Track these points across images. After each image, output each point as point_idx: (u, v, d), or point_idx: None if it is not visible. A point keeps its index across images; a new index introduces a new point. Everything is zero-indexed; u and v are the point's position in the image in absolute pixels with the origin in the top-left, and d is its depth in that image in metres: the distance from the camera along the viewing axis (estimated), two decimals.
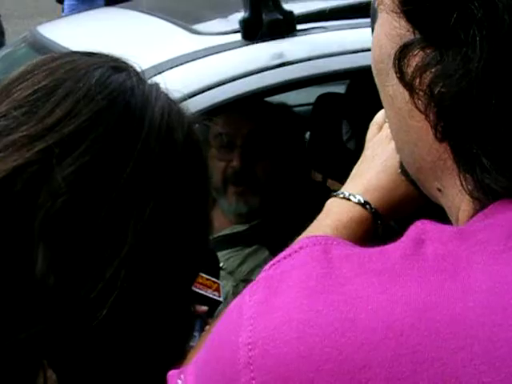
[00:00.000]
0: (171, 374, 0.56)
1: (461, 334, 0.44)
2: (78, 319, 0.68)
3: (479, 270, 0.47)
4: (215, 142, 2.11)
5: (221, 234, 2.09)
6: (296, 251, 0.52)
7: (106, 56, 0.78)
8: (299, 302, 0.47)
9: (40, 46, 2.21)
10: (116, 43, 1.92)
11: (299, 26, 1.85)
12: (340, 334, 0.45)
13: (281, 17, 1.79)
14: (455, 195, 0.54)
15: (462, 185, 0.52)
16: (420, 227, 0.52)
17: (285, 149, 2.17)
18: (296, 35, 1.84)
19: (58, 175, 0.67)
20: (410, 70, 0.52)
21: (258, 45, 1.81)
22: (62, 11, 5.59)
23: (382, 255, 0.50)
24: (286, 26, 1.81)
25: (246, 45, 1.82)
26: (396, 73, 0.53)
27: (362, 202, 0.83)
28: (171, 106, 0.76)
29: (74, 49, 1.80)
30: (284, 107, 2.31)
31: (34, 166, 0.68)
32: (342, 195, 0.85)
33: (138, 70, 0.79)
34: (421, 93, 0.51)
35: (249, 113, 2.13)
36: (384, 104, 0.59)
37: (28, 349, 0.67)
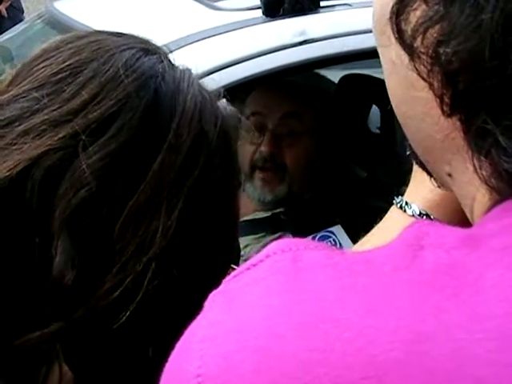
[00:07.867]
0: None
1: (462, 377, 0.34)
2: (97, 319, 0.64)
3: (493, 287, 0.36)
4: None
5: (242, 219, 2.03)
6: (261, 260, 0.42)
7: (136, 37, 0.73)
8: (257, 325, 0.38)
9: (56, 22, 2.19)
10: (134, 19, 1.90)
11: (323, 3, 1.81)
12: (306, 369, 0.36)
13: None
14: (468, 183, 0.44)
15: (475, 170, 0.41)
16: (418, 229, 0.41)
17: (319, 136, 2.06)
18: (319, 12, 1.81)
19: (82, 163, 0.63)
20: (409, 28, 0.42)
21: (279, 21, 1.78)
22: None
23: (367, 266, 0.40)
24: (309, 2, 1.78)
25: (267, 21, 1.78)
26: (393, 31, 0.43)
27: (418, 213, 0.68)
28: (203, 95, 0.71)
29: (91, 25, 1.78)
30: (322, 90, 2.20)
31: (57, 154, 0.63)
32: (399, 204, 0.72)
33: (169, 53, 0.74)
34: (423, 55, 0.41)
35: (284, 94, 2.02)
36: (385, 72, 0.49)
37: (41, 347, 0.63)
